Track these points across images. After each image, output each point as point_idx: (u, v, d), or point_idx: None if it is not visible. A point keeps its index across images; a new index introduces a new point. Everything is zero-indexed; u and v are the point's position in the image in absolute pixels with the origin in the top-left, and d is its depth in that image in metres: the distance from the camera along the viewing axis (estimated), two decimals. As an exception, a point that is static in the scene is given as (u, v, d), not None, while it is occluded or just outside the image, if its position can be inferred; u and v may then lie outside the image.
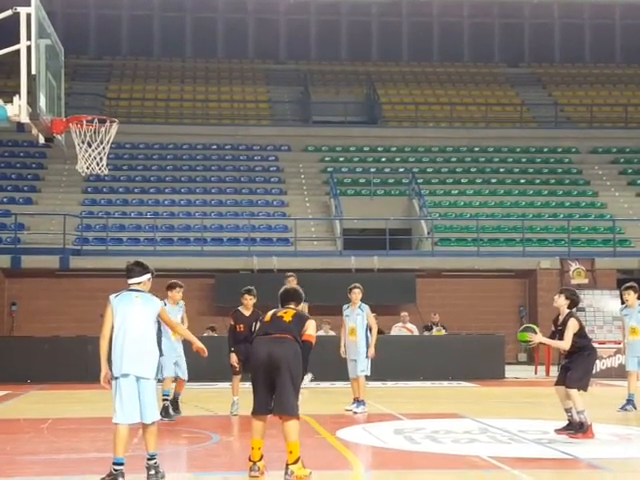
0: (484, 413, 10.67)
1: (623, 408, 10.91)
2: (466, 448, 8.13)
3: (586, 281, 20.82)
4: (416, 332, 17.78)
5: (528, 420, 10.11)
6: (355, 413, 10.47)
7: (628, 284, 11.49)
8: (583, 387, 8.55)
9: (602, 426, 9.28)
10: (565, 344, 8.55)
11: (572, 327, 8.53)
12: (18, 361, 14.94)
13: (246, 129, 27.19)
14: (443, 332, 18.22)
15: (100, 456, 7.58)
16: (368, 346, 10.69)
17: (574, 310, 8.71)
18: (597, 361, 16.53)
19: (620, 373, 16.37)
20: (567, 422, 8.62)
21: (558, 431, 8.60)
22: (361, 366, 10.68)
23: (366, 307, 10.78)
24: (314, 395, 13.76)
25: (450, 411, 10.86)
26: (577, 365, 8.55)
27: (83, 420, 9.34)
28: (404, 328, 17.42)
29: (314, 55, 31.67)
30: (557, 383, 8.74)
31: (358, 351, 10.69)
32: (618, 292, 20.31)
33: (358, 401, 10.64)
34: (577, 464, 7.41)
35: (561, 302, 8.71)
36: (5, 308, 19.90)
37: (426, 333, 18.12)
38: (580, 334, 8.57)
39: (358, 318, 10.74)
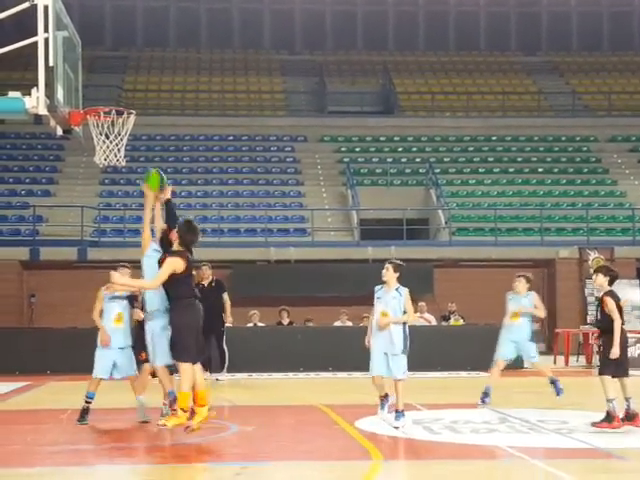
0: (503, 403, 10.61)
1: None
2: (485, 438, 8.10)
3: (605, 270, 20.66)
4: (434, 322, 17.73)
5: (547, 410, 10.06)
6: (396, 428, 8.40)
7: None
8: (620, 373, 8.18)
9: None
10: (617, 325, 8.10)
11: (609, 304, 8.13)
12: (37, 352, 15.04)
13: (262, 120, 27.17)
14: (461, 322, 18.16)
15: (119, 446, 7.62)
16: (406, 339, 8.64)
17: (612, 288, 8.28)
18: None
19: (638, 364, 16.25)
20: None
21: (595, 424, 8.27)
22: (400, 365, 8.56)
23: (405, 290, 8.70)
24: (333, 385, 13.77)
25: (469, 401, 10.82)
26: (610, 346, 8.12)
27: (102, 411, 9.37)
28: (422, 318, 17.36)
29: (330, 45, 31.57)
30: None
31: (393, 343, 8.55)
32: (638, 281, 20.28)
33: (397, 411, 8.50)
34: (597, 454, 7.37)
35: (600, 281, 8.32)
36: (24, 300, 20.04)
37: (444, 323, 18.06)
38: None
39: (393, 302, 8.63)
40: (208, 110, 27.91)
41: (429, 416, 9.47)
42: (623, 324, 8.25)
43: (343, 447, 7.76)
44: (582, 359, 17.90)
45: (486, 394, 10.32)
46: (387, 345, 8.56)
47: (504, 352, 10.72)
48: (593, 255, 20.81)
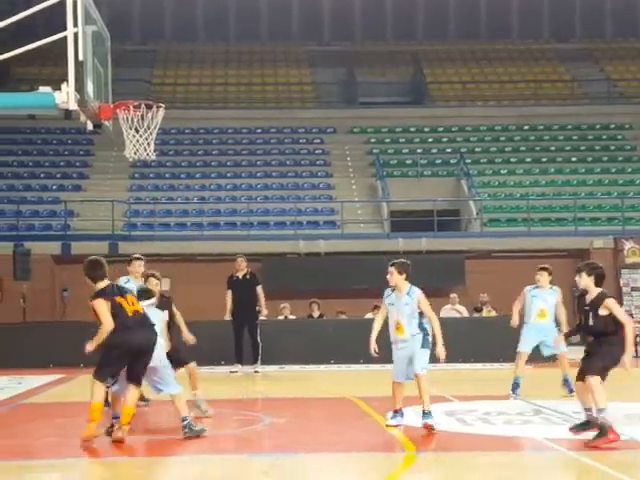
0: (537, 395, 10.49)
1: None
2: (520, 430, 8.01)
3: (641, 260, 20.39)
4: (465, 314, 17.59)
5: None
6: (428, 426, 7.73)
7: None
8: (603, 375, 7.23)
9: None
10: (628, 326, 7.21)
11: (617, 307, 7.28)
12: (71, 346, 15.08)
13: (291, 112, 27.10)
14: (493, 313, 17.99)
15: (153, 438, 7.64)
16: (426, 334, 8.01)
17: (605, 290, 7.38)
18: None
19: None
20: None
21: (573, 430, 7.33)
22: (420, 362, 7.90)
23: (417, 293, 7.99)
24: (364, 378, 13.72)
25: (501, 393, 10.71)
26: (604, 351, 7.23)
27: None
28: (453, 310, 17.25)
29: (359, 35, 31.39)
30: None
31: (414, 346, 7.94)
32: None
33: (424, 412, 7.84)
34: (635, 445, 7.23)
35: (585, 281, 7.46)
36: (57, 294, 20.23)
37: (476, 314, 17.91)
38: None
39: (406, 308, 7.94)
40: (236, 103, 27.93)
41: (462, 407, 9.38)
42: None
43: (375, 439, 7.71)
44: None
45: (517, 385, 10.25)
46: (408, 352, 7.95)
47: (527, 346, 10.59)
48: (628, 245, 20.50)
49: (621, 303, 20.18)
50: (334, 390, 11.72)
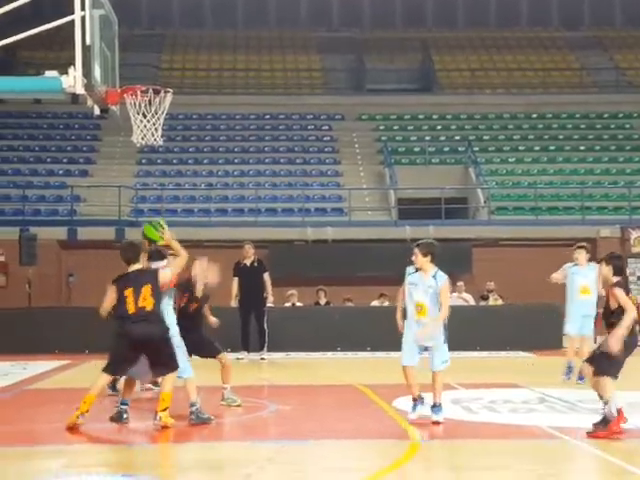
0: (542, 383, 10.49)
1: None
2: (525, 418, 8.01)
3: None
4: (472, 302, 17.57)
5: (586, 390, 9.88)
6: (436, 423, 7.54)
7: None
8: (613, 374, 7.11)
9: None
10: (629, 312, 7.08)
11: (622, 295, 7.14)
12: (76, 331, 15.20)
13: (299, 98, 27.02)
14: (500, 301, 17.97)
15: (158, 425, 7.64)
16: (446, 328, 7.76)
17: (620, 279, 7.26)
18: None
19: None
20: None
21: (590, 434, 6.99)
22: (442, 355, 7.71)
23: (443, 279, 7.72)
24: (371, 365, 13.74)
25: (507, 381, 10.71)
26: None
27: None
28: (460, 298, 17.23)
29: (368, 22, 31.23)
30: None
31: (433, 337, 7.66)
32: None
33: (435, 405, 7.63)
34: (639, 434, 7.23)
35: (604, 271, 7.37)
36: (63, 279, 20.27)
37: (482, 303, 17.89)
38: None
39: (430, 292, 7.67)
40: (245, 89, 27.87)
41: (467, 395, 9.38)
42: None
43: (381, 427, 7.72)
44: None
45: (570, 369, 10.45)
46: (425, 338, 7.65)
47: (573, 327, 10.71)
48: (635, 234, 20.42)
49: (628, 292, 20.12)
50: (340, 377, 11.74)
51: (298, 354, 14.97)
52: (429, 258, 7.66)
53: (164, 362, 7.38)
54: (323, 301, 17.35)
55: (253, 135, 25.73)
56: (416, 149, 24.80)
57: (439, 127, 25.95)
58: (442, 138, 25.30)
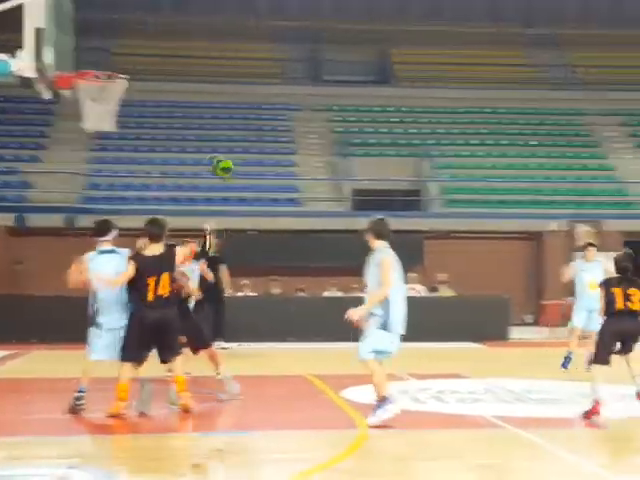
0: (489, 373, 10.71)
1: None
2: (471, 408, 8.17)
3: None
4: (423, 293, 17.79)
5: (532, 380, 10.14)
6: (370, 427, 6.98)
7: None
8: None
9: (606, 386, 9.29)
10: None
11: (602, 290, 7.76)
12: (23, 320, 15.00)
13: (255, 88, 26.93)
14: (451, 293, 18.22)
15: (100, 416, 7.62)
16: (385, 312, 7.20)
17: (616, 278, 7.71)
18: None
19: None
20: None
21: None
22: (370, 343, 7.14)
23: (381, 254, 7.23)
24: (322, 355, 13.83)
25: (455, 371, 10.90)
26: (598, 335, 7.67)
27: (102, 380, 9.36)
28: (411, 289, 17.43)
29: (326, 12, 31.20)
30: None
31: (362, 314, 7.19)
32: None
33: (377, 403, 7.10)
34: (579, 423, 7.43)
35: (610, 268, 8.01)
36: (9, 266, 19.94)
37: (433, 294, 18.14)
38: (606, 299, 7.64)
39: (370, 268, 7.28)
40: (201, 77, 27.65)
41: (416, 386, 9.53)
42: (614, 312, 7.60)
43: (329, 417, 7.81)
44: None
45: (568, 359, 10.95)
46: (353, 316, 7.13)
47: (579, 320, 11.25)
48: (582, 228, 20.88)
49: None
50: (291, 368, 11.81)
51: (251, 344, 15.00)
52: (370, 235, 7.29)
53: (171, 346, 7.50)
54: (276, 291, 17.40)
55: (208, 124, 25.59)
56: (371, 141, 24.93)
57: (395, 119, 26.11)
58: (397, 130, 25.48)
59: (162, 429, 7.30)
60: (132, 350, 7.45)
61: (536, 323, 19.49)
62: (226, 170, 8.03)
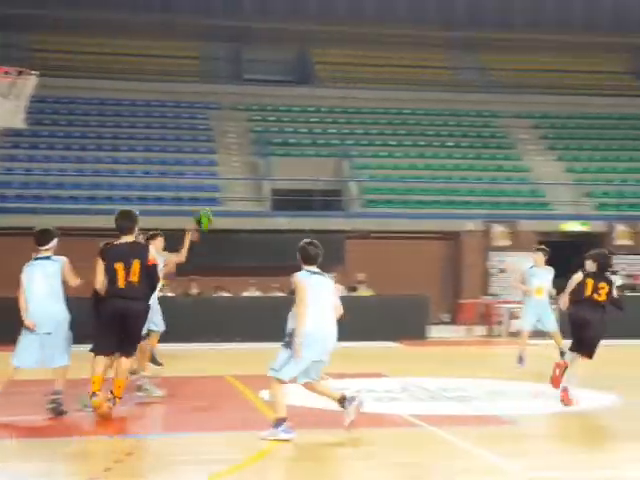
0: (406, 372, 10.86)
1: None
2: (387, 407, 8.28)
3: (508, 243, 21.34)
4: (343, 293, 17.91)
5: (448, 378, 10.34)
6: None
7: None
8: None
9: (520, 383, 9.58)
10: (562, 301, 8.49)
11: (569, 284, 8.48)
12: None
13: (175, 86, 26.62)
14: (370, 292, 18.41)
15: (22, 419, 7.44)
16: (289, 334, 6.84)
17: (588, 271, 8.37)
18: (517, 321, 16.99)
19: (537, 333, 16.87)
20: None
21: None
22: (275, 360, 6.91)
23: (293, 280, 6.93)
24: (242, 356, 13.78)
25: (373, 370, 11.03)
26: None
27: (24, 383, 9.12)
28: (331, 288, 17.55)
29: (247, 11, 31.10)
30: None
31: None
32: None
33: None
34: (492, 420, 7.63)
35: (588, 267, 8.42)
36: None
37: (352, 293, 18.30)
38: (574, 292, 8.36)
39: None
40: (119, 74, 27.18)
41: (333, 385, 9.57)
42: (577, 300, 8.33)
43: (246, 418, 7.80)
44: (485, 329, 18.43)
45: (522, 358, 11.26)
46: None
47: (528, 323, 11.57)
48: (497, 228, 21.43)
49: (488, 284, 21.08)
50: (210, 369, 11.73)
51: (170, 345, 14.81)
52: (299, 259, 7.06)
53: (135, 340, 7.41)
54: (194, 291, 17.26)
55: (126, 122, 25.17)
56: (291, 140, 24.97)
57: (314, 119, 26.22)
58: (317, 130, 25.60)
59: (73, 431, 7.15)
60: (102, 341, 7.34)
61: (453, 322, 19.88)
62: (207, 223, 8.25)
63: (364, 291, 18.50)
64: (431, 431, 7.09)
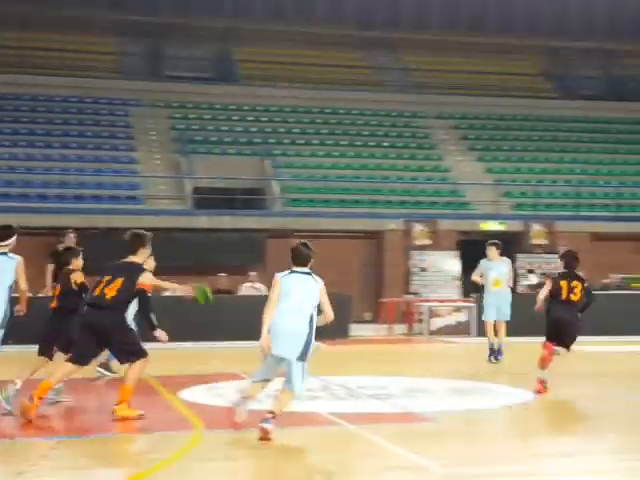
0: (327, 371, 10.87)
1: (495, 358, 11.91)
2: (307, 405, 8.27)
3: (429, 242, 21.65)
4: (264, 291, 17.84)
5: (369, 377, 10.41)
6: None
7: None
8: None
9: (440, 380, 9.72)
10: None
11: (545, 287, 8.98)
12: None
13: (93, 81, 26.08)
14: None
15: None
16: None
17: (562, 272, 8.86)
18: (438, 319, 17.32)
19: (458, 330, 17.21)
20: None
21: None
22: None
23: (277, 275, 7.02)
24: (159, 356, 13.55)
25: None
26: None
27: None
28: (252, 288, 17.47)
29: (167, 7, 30.68)
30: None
31: None
32: (458, 253, 21.38)
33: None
34: (411, 418, 7.70)
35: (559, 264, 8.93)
36: None
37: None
38: (551, 294, 8.82)
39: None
40: (36, 68, 26.46)
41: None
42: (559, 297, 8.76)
43: (164, 418, 7.68)
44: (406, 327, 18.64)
45: (492, 350, 11.80)
46: None
47: (490, 314, 12.07)
48: (418, 227, 21.72)
49: (409, 283, 21.34)
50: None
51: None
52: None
53: (119, 349, 7.46)
54: (114, 291, 16.92)
55: (42, 117, 24.54)
56: (213, 139, 24.77)
57: (236, 118, 26.08)
58: (239, 129, 25.46)
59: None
60: (76, 350, 7.38)
61: (375, 320, 20.05)
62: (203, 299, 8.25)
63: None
64: (350, 429, 7.11)
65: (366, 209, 22.54)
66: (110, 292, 7.35)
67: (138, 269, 7.57)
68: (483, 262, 12.19)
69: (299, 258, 6.93)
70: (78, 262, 8.60)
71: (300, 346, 6.71)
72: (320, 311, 6.93)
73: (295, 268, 6.98)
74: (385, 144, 26.04)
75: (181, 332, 14.20)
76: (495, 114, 28.22)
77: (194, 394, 8.80)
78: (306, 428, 7.26)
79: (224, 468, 5.94)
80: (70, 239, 13.54)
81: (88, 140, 24.01)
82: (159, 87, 26.60)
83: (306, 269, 6.92)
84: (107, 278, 7.41)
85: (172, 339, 14.76)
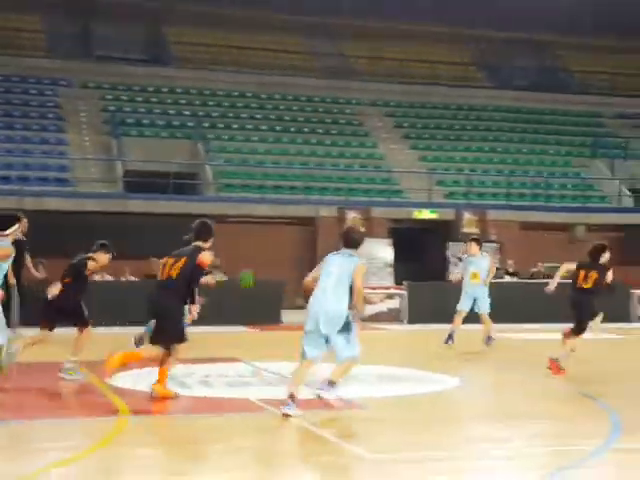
0: (259, 357, 10.84)
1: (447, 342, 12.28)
2: (237, 391, 8.22)
3: (362, 229, 21.73)
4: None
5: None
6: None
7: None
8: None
9: (371, 367, 9.76)
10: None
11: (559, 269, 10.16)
12: None
13: (20, 60, 25.32)
14: (223, 277, 18.25)
15: None
16: None
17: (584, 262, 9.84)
18: (370, 306, 17.38)
19: (390, 317, 17.35)
20: None
21: None
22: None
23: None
24: (96, 342, 13.29)
25: (227, 355, 10.93)
26: None
27: None
28: (184, 273, 17.29)
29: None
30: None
31: None
32: (391, 240, 21.54)
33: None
34: (341, 404, 7.69)
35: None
36: None
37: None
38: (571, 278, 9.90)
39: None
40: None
41: (183, 371, 9.41)
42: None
43: (91, 404, 7.55)
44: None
45: (450, 337, 12.17)
46: None
47: (465, 305, 12.46)
48: (351, 214, 21.77)
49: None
50: (57, 354, 11.23)
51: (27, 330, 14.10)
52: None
53: (170, 332, 7.61)
54: (42, 275, 16.46)
55: (-33, 96, 23.73)
56: (145, 121, 24.35)
57: (169, 100, 25.69)
58: (171, 112, 25.09)
59: None
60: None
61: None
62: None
63: (219, 276, 18.31)
64: (279, 415, 7.08)
65: (300, 195, 22.49)
66: (173, 272, 7.90)
67: (197, 251, 8.27)
68: (465, 258, 12.77)
69: (349, 242, 7.49)
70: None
71: (340, 322, 7.15)
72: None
73: (345, 250, 7.46)
74: (320, 131, 26.01)
75: (108, 317, 14.00)
76: (429, 103, 28.46)
77: (123, 381, 8.65)
78: (235, 414, 7.21)
79: (151, 454, 5.84)
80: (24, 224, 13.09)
81: (16, 120, 23.33)
82: (90, 68, 26.01)
83: (350, 251, 7.37)
84: (170, 260, 8.03)
85: (99, 324, 14.53)
